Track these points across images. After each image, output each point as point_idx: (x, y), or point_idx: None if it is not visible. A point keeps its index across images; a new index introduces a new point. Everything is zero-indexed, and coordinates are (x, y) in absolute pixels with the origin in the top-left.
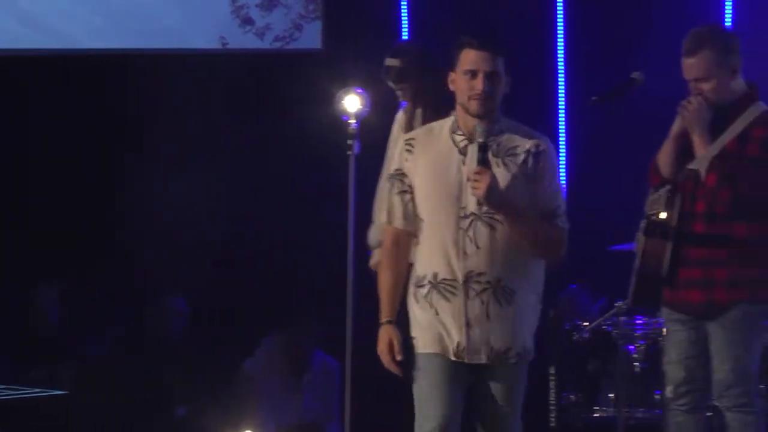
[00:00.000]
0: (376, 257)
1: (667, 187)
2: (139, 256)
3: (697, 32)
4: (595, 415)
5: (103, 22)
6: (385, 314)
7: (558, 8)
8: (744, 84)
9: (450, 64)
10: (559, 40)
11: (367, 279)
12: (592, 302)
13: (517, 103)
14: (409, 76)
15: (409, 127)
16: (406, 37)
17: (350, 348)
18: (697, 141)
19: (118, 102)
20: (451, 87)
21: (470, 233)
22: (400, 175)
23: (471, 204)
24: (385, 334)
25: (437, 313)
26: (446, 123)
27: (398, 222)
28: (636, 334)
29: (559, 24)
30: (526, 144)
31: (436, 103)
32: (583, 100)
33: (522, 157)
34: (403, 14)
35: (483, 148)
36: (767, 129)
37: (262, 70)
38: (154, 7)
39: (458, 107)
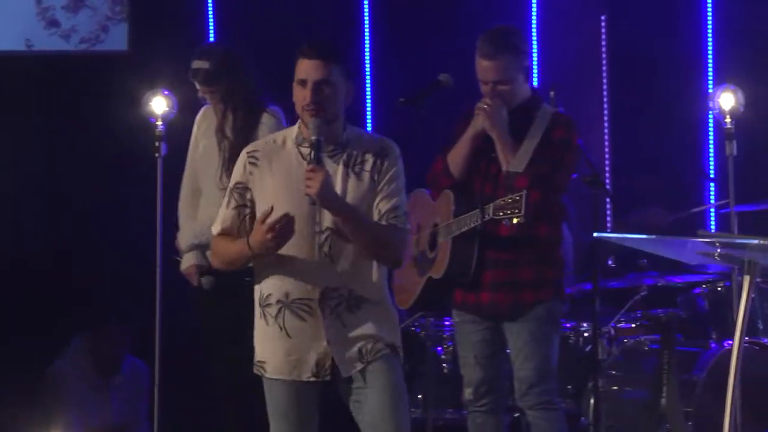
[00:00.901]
0: (188, 261)
1: (522, 192)
2: None
3: (496, 34)
4: (445, 416)
5: None
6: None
7: (364, 9)
8: (528, 87)
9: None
10: (365, 41)
11: (176, 281)
12: None
13: None
14: (218, 78)
15: (220, 130)
16: (212, 39)
17: (159, 350)
18: (500, 143)
19: None
20: (294, 98)
21: (325, 249)
22: (242, 188)
23: (326, 219)
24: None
25: (289, 336)
26: (289, 134)
27: (228, 230)
28: (444, 336)
29: (365, 25)
30: (374, 149)
31: (246, 105)
32: (391, 102)
33: (370, 162)
34: (209, 16)
35: (316, 146)
36: (564, 130)
37: (69, 72)
38: None
39: (300, 118)
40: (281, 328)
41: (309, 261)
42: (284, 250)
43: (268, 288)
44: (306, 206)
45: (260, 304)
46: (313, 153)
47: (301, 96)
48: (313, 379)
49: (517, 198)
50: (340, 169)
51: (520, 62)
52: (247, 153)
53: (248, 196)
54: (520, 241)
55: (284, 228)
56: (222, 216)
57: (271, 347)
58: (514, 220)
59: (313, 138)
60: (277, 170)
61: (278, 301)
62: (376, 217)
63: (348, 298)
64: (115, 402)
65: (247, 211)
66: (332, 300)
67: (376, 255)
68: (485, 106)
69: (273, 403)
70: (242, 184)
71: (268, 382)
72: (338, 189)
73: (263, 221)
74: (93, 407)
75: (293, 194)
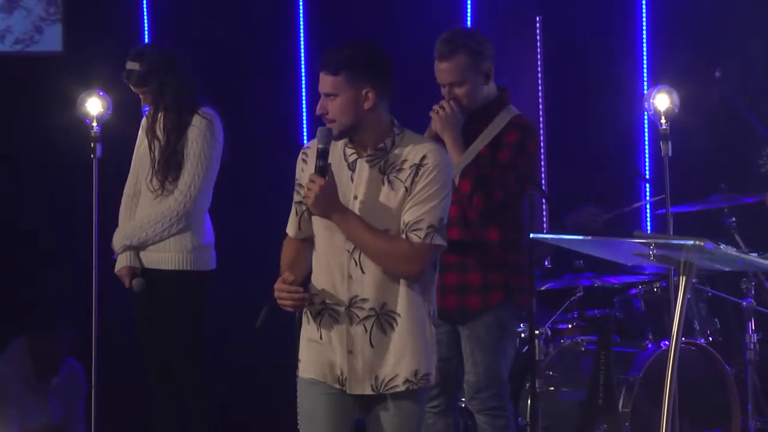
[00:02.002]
0: (120, 263)
1: None
2: None
3: (451, 36)
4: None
5: None
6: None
7: (299, 9)
8: (495, 89)
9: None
10: (300, 40)
11: (114, 281)
12: None
13: (267, 105)
14: (150, 80)
15: (152, 130)
16: (147, 40)
17: (96, 351)
18: (450, 146)
19: None
20: None
21: (356, 256)
22: (298, 186)
23: None
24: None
25: (321, 337)
26: None
27: (292, 231)
28: None
29: (300, 24)
30: (416, 158)
31: (177, 106)
32: None
33: (408, 171)
34: (144, 17)
35: (321, 155)
36: (518, 134)
37: (3, 73)
38: None
39: None
40: (317, 329)
41: (341, 267)
42: (323, 251)
43: (314, 288)
44: None
45: (307, 303)
46: (318, 161)
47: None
48: (337, 386)
49: None
50: (374, 174)
51: (477, 64)
52: (302, 150)
53: (302, 192)
54: (468, 245)
55: (294, 300)
56: (290, 215)
57: (307, 347)
58: None
59: (319, 146)
60: None
61: (321, 302)
62: (401, 228)
63: (379, 313)
64: (53, 403)
65: (304, 207)
66: (360, 311)
67: (383, 266)
68: (438, 109)
69: (301, 402)
70: (297, 181)
71: (300, 381)
72: (366, 194)
73: (287, 280)
74: (31, 408)
75: None
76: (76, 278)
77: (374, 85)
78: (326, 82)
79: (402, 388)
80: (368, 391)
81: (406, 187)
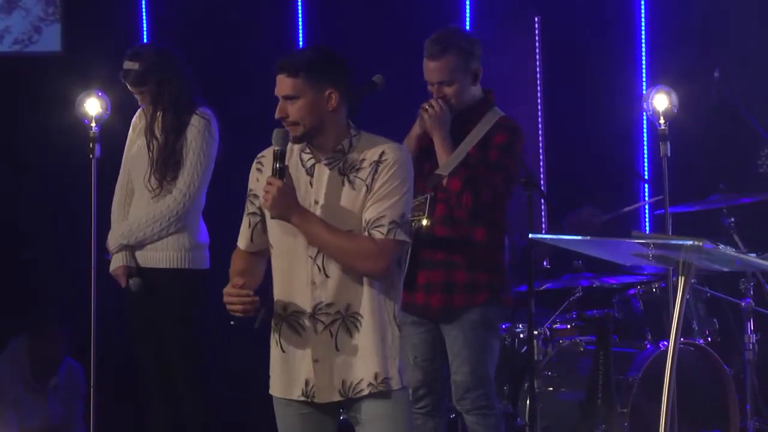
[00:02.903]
0: (116, 263)
1: (427, 195)
2: None
3: (442, 35)
4: (341, 417)
5: None
6: None
7: (298, 10)
8: (481, 90)
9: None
10: (299, 41)
11: (112, 281)
12: None
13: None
14: (148, 79)
15: (150, 130)
16: (146, 40)
17: (94, 351)
18: (439, 144)
19: None
20: None
21: (319, 261)
22: (251, 195)
23: None
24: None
25: (284, 351)
26: None
27: (243, 244)
28: None
29: (299, 26)
30: (375, 155)
31: (176, 106)
32: None
33: (368, 170)
34: (143, 16)
35: (278, 157)
36: (506, 135)
37: (2, 74)
38: None
39: None
40: (277, 343)
41: (303, 274)
42: (282, 263)
43: (275, 301)
44: None
45: (262, 312)
46: (274, 164)
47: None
48: (302, 398)
49: (423, 200)
50: (334, 175)
51: (466, 64)
52: (257, 159)
53: (257, 203)
54: (455, 243)
55: (244, 304)
56: (242, 226)
57: (272, 363)
58: (423, 222)
59: (276, 149)
60: None
61: (277, 314)
62: (363, 226)
63: (345, 315)
64: (53, 403)
65: (257, 218)
66: (326, 316)
67: (347, 266)
68: (428, 107)
69: (278, 423)
70: (252, 191)
71: (274, 400)
72: (327, 197)
73: (237, 284)
74: (31, 409)
75: None
76: (74, 278)
77: (336, 86)
78: (285, 84)
79: (366, 392)
80: (336, 398)
81: (367, 185)
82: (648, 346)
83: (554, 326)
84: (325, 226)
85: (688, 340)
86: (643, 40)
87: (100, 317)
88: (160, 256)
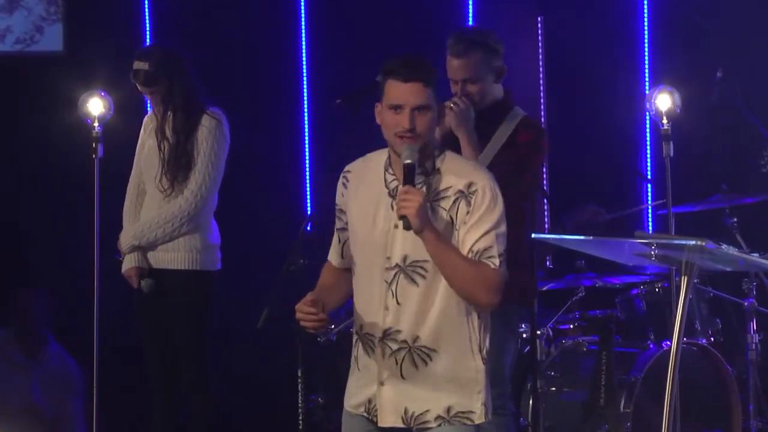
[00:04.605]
0: (128, 263)
1: None
2: None
3: (466, 33)
4: None
5: None
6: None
7: (301, 10)
8: (502, 89)
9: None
10: (302, 41)
11: (113, 282)
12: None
13: (268, 106)
14: (158, 79)
15: (161, 130)
16: (149, 40)
17: (97, 352)
18: (465, 143)
19: None
20: (378, 120)
21: (393, 287)
22: (339, 211)
23: (396, 255)
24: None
25: (358, 367)
26: (382, 156)
27: (334, 259)
28: None
29: (302, 25)
30: (460, 184)
31: (187, 106)
32: (328, 102)
33: (452, 199)
34: (145, 16)
35: (411, 169)
36: (531, 134)
37: (4, 73)
38: None
39: (389, 144)
40: (355, 358)
41: (378, 297)
42: (362, 282)
43: (355, 314)
44: (380, 236)
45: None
46: (408, 175)
47: (393, 122)
48: (365, 414)
49: None
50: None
51: (490, 62)
52: (343, 173)
53: (344, 218)
54: None
55: (312, 322)
56: (333, 242)
57: (349, 374)
58: None
59: (407, 162)
60: (362, 192)
61: (356, 332)
62: (467, 255)
63: (411, 347)
64: (36, 385)
65: (345, 234)
66: (393, 342)
67: (463, 292)
68: (453, 105)
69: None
70: (338, 206)
71: (344, 409)
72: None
73: (308, 301)
74: (11, 387)
75: (369, 220)
76: (77, 278)
77: (437, 103)
78: (422, 94)
79: (433, 425)
80: (399, 424)
81: (451, 217)
82: (651, 346)
83: (557, 326)
84: (453, 247)
85: (690, 340)
86: (646, 41)
87: (103, 318)
88: (171, 257)
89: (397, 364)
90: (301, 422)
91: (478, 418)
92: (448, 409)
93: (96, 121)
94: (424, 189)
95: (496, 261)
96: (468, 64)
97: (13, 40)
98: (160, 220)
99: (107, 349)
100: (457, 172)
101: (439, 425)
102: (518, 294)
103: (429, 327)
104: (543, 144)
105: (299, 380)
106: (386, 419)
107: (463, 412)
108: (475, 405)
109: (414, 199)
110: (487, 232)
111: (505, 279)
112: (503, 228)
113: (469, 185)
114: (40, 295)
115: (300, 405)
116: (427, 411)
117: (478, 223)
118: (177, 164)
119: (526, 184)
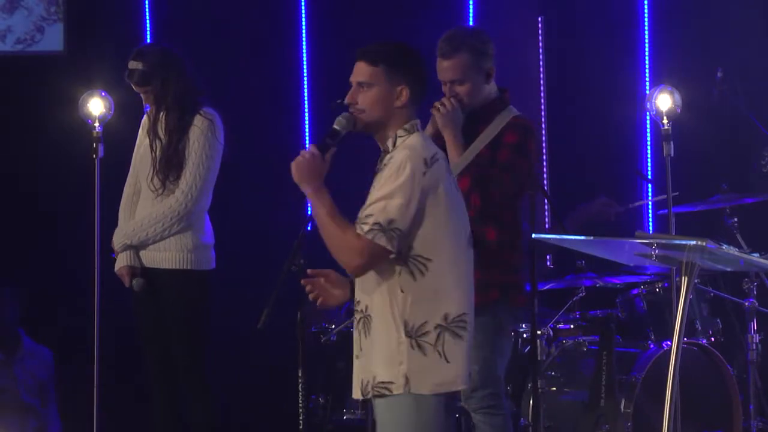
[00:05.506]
0: (120, 262)
1: None
2: None
3: (454, 34)
4: (344, 417)
5: None
6: None
7: (301, 9)
8: (496, 89)
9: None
10: (302, 41)
11: (113, 282)
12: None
13: (268, 105)
14: (152, 79)
15: (153, 130)
16: (149, 40)
17: (97, 351)
18: (450, 143)
19: None
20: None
21: None
22: None
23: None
24: None
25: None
26: None
27: None
28: None
29: (302, 25)
30: (397, 155)
31: (179, 106)
32: (328, 102)
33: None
34: (146, 16)
35: (332, 135)
36: (517, 134)
37: (4, 73)
38: None
39: None
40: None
41: None
42: None
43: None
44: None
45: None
46: (325, 138)
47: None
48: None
49: None
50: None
51: (478, 62)
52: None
53: None
54: None
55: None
56: None
57: None
58: None
59: (335, 127)
60: None
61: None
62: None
63: (364, 315)
64: (22, 381)
65: None
66: (356, 313)
67: (331, 252)
68: (439, 106)
69: None
70: None
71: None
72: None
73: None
74: (1, 386)
75: None
76: (77, 278)
77: (409, 84)
78: (363, 70)
79: (369, 395)
80: (358, 396)
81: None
82: (651, 346)
83: (557, 326)
84: (330, 210)
85: (691, 340)
86: (647, 40)
87: (103, 318)
88: (163, 256)
89: (359, 334)
90: (301, 422)
91: (397, 389)
92: (374, 378)
93: (96, 121)
94: (380, 164)
95: (365, 227)
96: (455, 66)
97: (14, 40)
98: (151, 219)
99: (107, 349)
100: (404, 149)
101: (372, 395)
102: (500, 293)
103: (368, 295)
104: (530, 145)
105: (299, 380)
106: (355, 392)
107: (383, 383)
108: (396, 376)
109: (304, 155)
110: (378, 200)
111: (373, 248)
112: (397, 200)
113: (391, 158)
114: (8, 293)
115: (300, 405)
116: (368, 381)
117: (374, 191)
118: (168, 164)
119: (509, 185)
